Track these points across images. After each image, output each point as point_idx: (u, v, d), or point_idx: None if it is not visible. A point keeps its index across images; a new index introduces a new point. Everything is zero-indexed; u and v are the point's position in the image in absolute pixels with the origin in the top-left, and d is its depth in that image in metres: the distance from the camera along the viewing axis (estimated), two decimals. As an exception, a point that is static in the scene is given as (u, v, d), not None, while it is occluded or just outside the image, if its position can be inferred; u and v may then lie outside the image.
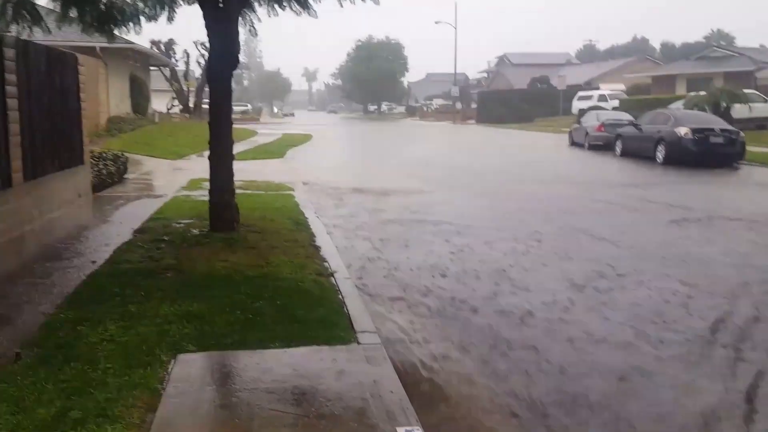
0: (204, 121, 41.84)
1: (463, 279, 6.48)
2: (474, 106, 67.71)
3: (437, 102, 78.55)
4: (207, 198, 8.32)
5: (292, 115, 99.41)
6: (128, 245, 7.13)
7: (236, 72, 8.60)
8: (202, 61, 45.09)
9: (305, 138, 32.31)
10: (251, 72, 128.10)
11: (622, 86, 48.78)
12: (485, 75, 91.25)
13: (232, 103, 8.08)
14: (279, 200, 10.75)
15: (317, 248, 7.33)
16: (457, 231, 8.78)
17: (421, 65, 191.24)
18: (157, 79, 45.05)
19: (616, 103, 40.17)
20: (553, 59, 77.63)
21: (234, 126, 8.10)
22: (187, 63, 45.43)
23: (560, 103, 44.19)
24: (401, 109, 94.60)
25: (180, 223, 8.44)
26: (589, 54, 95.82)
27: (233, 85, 8.65)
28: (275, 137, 32.16)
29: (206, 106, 48.23)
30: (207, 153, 7.89)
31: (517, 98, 54.39)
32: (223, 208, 7.74)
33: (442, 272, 6.60)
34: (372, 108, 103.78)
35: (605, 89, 46.39)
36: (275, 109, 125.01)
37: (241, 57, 8.31)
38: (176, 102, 42.55)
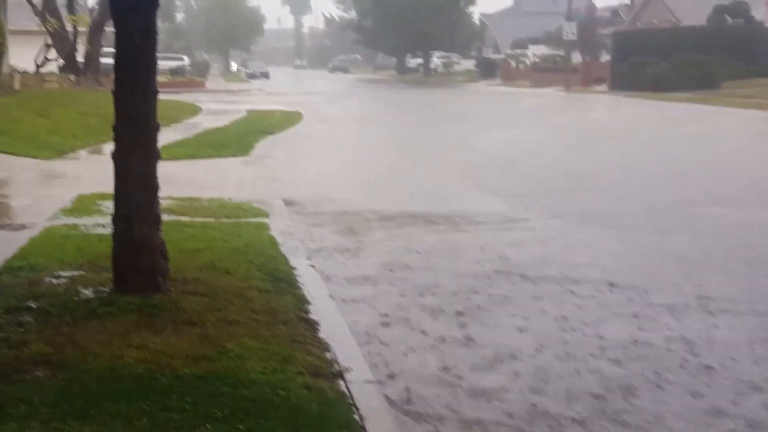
0: (104, 89, 42.61)
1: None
2: (605, 58, 67.79)
3: (535, 51, 78.81)
4: (109, 231, 8.35)
5: (265, 75, 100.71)
6: (-37, 318, 7.20)
7: (168, 1, 8.71)
8: (101, -21, 46.05)
9: (288, 119, 32.64)
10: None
11: None
12: (626, 2, 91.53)
13: (157, 56, 8.16)
14: (241, 235, 10.85)
15: (311, 325, 7.37)
16: (601, 302, 8.71)
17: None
18: (19, 13, 46.05)
19: None
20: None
21: (160, 97, 8.18)
22: (73, -19, 46.37)
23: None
24: (468, 63, 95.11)
25: (59, 276, 8.51)
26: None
27: (159, 22, 8.73)
28: (234, 117, 32.56)
29: (107, 61, 49.23)
30: (109, 147, 7.97)
31: (688, 44, 54.28)
32: (138, 250, 7.80)
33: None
34: (412, 62, 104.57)
35: None
36: (233, 66, 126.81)
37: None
38: (53, 53, 43.33)
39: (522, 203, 14.31)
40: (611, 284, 9.20)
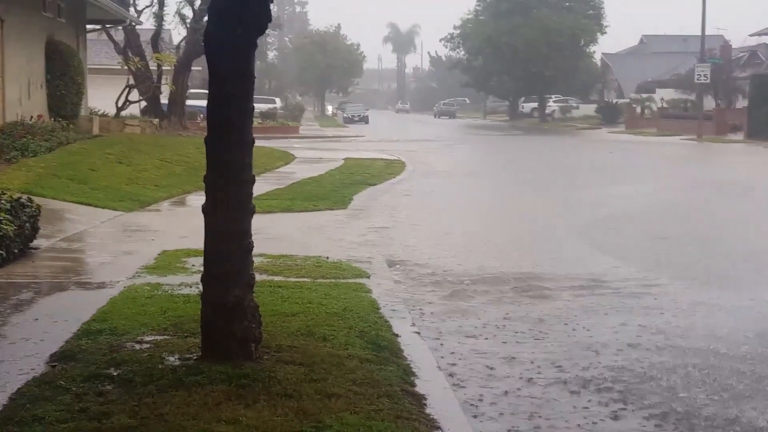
0: (189, 133, 42.99)
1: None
2: (741, 104, 66.88)
3: (663, 95, 78.27)
4: (196, 292, 8.42)
5: (364, 119, 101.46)
6: (40, 386, 7.26)
7: (260, 39, 8.80)
8: (190, 14, 47.01)
9: (391, 168, 32.75)
10: (284, 34, 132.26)
11: None
12: (765, 41, 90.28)
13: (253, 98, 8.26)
14: (339, 297, 10.88)
15: (418, 399, 7.35)
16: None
17: (629, 20, 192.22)
18: (99, 50, 47.11)
19: None
20: None
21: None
22: (159, 18, 47.40)
23: None
24: (588, 108, 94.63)
25: (142, 341, 8.60)
26: None
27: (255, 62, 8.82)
28: (330, 166, 32.75)
29: (194, 103, 49.65)
30: (194, 198, 8.05)
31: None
32: (229, 315, 7.85)
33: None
34: (526, 107, 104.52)
35: None
36: (329, 109, 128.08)
37: (273, 7, 8.52)
38: (135, 94, 44.17)
39: (651, 266, 14.16)
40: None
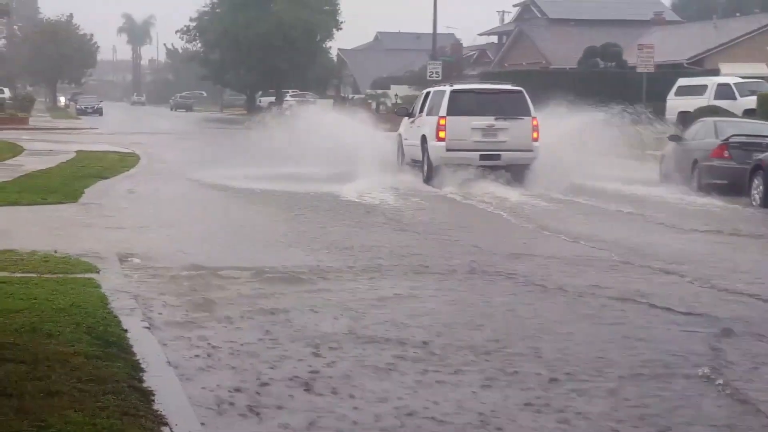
0: None
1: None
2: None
3: (398, 91, 79.83)
4: None
5: (98, 111, 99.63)
6: None
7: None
8: None
9: (124, 161, 32.32)
10: (13, 22, 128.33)
11: (764, 68, 50.68)
12: (494, 40, 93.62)
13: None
14: (68, 293, 10.64)
15: (146, 395, 7.29)
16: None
17: (364, 17, 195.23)
18: None
19: (752, 101, 41.46)
20: (630, 12, 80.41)
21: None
22: None
23: (642, 98, 45.50)
24: (325, 103, 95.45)
25: None
26: (698, 4, 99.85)
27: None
28: (61, 158, 32.02)
29: None
30: None
31: (560, 86, 55.53)
32: (-54, 311, 7.56)
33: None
34: (264, 100, 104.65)
35: (730, 74, 48.06)
36: (62, 100, 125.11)
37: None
38: None
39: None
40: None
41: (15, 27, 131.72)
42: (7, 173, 25.76)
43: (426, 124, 28.01)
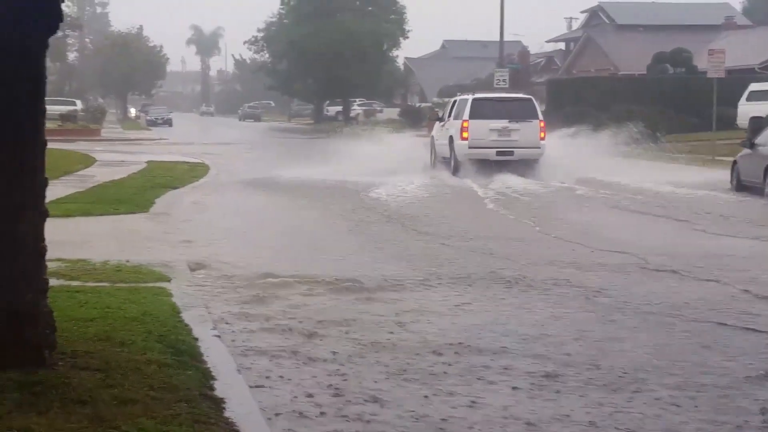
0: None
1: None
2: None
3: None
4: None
5: (168, 122, 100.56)
6: None
7: (55, 38, 8.65)
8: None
9: (194, 171, 32.54)
10: (85, 35, 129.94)
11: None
12: (561, 47, 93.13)
13: (46, 100, 8.09)
14: (139, 302, 10.72)
15: (217, 403, 7.31)
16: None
17: (431, 25, 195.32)
18: None
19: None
20: (700, 17, 79.58)
21: (49, 146, 8.08)
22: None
23: (713, 103, 45.08)
24: (392, 112, 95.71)
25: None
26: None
27: (48, 62, 8.66)
28: (132, 169, 32.29)
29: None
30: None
31: (626, 94, 55.34)
32: (21, 320, 7.67)
33: None
34: (331, 110, 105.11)
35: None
36: (132, 112, 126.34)
37: (69, 5, 8.37)
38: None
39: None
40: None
41: (87, 40, 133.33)
42: (79, 184, 26.00)
43: (453, 126, 33.42)
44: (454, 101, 36.03)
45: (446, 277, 13.44)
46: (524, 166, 31.41)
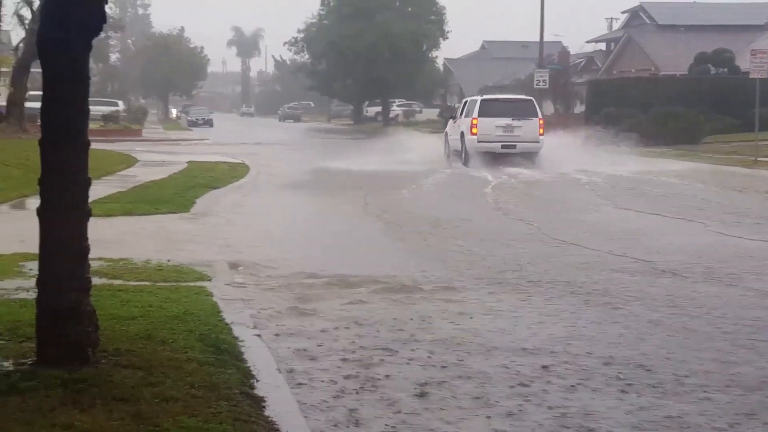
0: (28, 136, 42.42)
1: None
2: (579, 109, 68.39)
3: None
4: (33, 296, 8.26)
5: (208, 123, 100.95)
6: None
7: (98, 39, 8.71)
8: (29, 15, 46.08)
9: (234, 171, 32.66)
10: (127, 36, 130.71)
11: None
12: (601, 48, 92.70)
13: (89, 101, 8.13)
14: (180, 301, 10.79)
15: (257, 402, 7.35)
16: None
17: (471, 26, 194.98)
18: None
19: None
20: (742, 17, 78.89)
21: (91, 146, 8.14)
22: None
23: (755, 104, 44.74)
24: (431, 112, 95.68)
25: (-26, 346, 8.41)
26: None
27: (90, 63, 8.71)
28: (173, 169, 32.44)
29: (33, 105, 49.42)
30: (34, 202, 7.90)
31: (668, 95, 55.04)
32: (64, 318, 7.71)
33: None
34: (370, 110, 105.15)
35: None
36: (173, 112, 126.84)
37: (111, 7, 8.43)
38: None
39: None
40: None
41: (129, 41, 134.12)
42: (121, 184, 26.20)
43: (464, 123, 38.06)
44: (465, 102, 40.94)
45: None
46: (524, 158, 36.24)
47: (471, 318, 10.89)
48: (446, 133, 42.08)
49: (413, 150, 41.21)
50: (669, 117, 51.64)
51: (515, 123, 36.98)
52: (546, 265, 14.49)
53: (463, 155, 37.56)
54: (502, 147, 36.57)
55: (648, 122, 52.00)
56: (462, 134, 37.91)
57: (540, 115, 37.82)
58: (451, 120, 42.11)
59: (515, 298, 12.05)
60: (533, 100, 39.87)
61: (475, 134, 36.88)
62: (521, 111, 37.80)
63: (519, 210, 22.56)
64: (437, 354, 9.27)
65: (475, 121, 37.05)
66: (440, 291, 12.43)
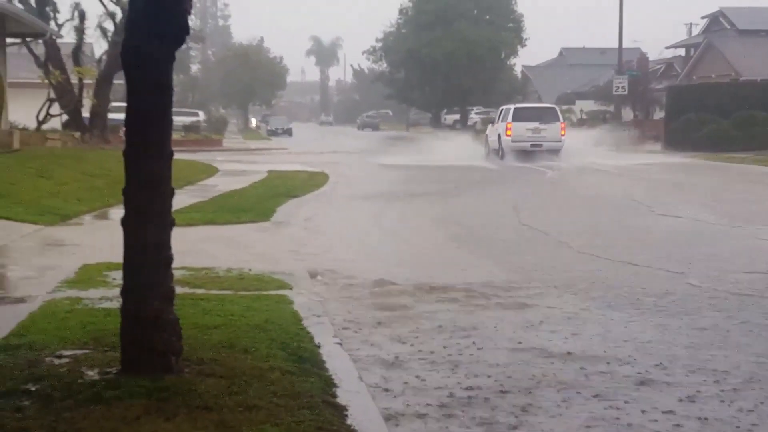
0: (111, 147, 42.86)
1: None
2: (658, 115, 67.74)
3: (583, 106, 79.08)
4: (117, 305, 8.32)
5: (288, 132, 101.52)
6: (-44, 402, 7.19)
7: (180, 51, 8.76)
8: (112, 28, 46.66)
9: (314, 180, 32.82)
10: (207, 48, 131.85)
11: None
12: (680, 53, 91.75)
13: (173, 111, 8.18)
14: (261, 309, 10.82)
15: (339, 410, 7.34)
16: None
17: (549, 33, 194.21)
18: (19, 64, 46.60)
19: None
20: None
21: (175, 156, 8.20)
22: (79, 31, 47.05)
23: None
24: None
25: (62, 355, 8.47)
26: None
27: (174, 74, 8.76)
28: (254, 178, 32.67)
29: (116, 116, 49.95)
30: (117, 212, 7.95)
31: (749, 100, 54.36)
32: (148, 327, 7.78)
33: None
34: (448, 118, 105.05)
35: None
36: (253, 122, 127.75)
37: (193, 18, 8.49)
38: (56, 108, 43.71)
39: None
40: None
41: (209, 52, 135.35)
42: (203, 194, 26.41)
43: (500, 127, 48.06)
44: (502, 109, 50.96)
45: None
46: (550, 154, 45.50)
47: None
48: (486, 135, 52.59)
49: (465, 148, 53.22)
50: (750, 122, 51.09)
51: (542, 126, 46.81)
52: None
53: (500, 152, 47.29)
54: (531, 146, 46.38)
55: (729, 128, 51.47)
56: (499, 135, 47.95)
57: (561, 120, 48.24)
58: (490, 124, 53.37)
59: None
60: (556, 107, 51.30)
61: (509, 135, 46.71)
62: (547, 116, 47.73)
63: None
64: (521, 363, 9.19)
65: (509, 125, 46.86)
66: (525, 297, 12.34)
